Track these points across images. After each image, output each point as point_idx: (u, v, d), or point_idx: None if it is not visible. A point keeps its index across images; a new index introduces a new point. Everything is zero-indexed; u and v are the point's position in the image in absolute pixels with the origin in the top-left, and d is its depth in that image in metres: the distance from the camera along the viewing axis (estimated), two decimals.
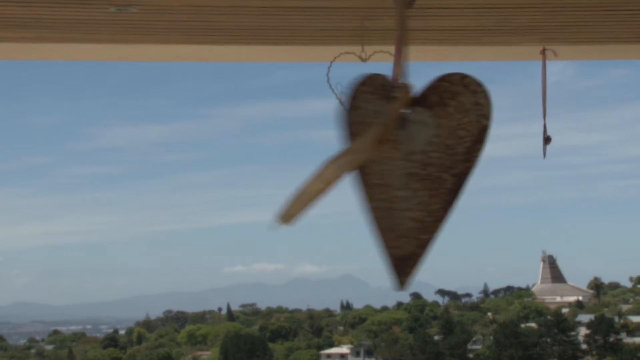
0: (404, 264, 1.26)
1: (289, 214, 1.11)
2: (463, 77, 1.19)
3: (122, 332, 79.38)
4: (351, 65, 3.21)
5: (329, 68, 3.09)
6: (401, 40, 1.24)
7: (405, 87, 1.21)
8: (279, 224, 1.09)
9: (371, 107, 1.21)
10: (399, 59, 3.01)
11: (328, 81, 2.99)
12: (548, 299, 77.57)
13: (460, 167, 1.19)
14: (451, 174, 1.19)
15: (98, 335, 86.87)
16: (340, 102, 3.03)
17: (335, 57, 3.07)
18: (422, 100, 1.21)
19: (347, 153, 1.13)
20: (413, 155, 1.21)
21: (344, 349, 64.18)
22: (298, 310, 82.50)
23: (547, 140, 3.37)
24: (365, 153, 1.14)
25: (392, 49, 3.00)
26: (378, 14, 2.89)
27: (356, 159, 1.13)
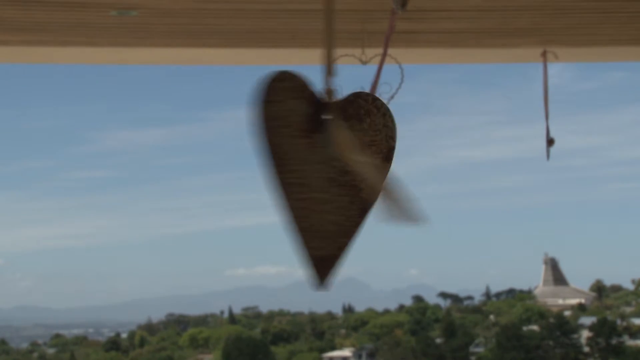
0: (324, 264, 1.30)
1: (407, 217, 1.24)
2: (375, 99, 1.29)
3: (124, 335, 79.38)
4: (352, 68, 3.21)
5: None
6: (326, 44, 1.28)
7: (334, 94, 1.28)
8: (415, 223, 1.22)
9: (287, 105, 1.26)
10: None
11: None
12: (550, 301, 77.48)
13: (371, 184, 1.29)
14: (366, 185, 1.28)
15: (100, 338, 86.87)
16: None
17: (335, 59, 3.07)
18: (340, 111, 1.28)
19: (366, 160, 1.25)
20: (333, 161, 1.27)
21: (346, 352, 64.12)
22: (300, 313, 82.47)
23: (550, 142, 3.37)
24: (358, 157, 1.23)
25: (392, 51, 3.00)
26: (378, 16, 2.89)
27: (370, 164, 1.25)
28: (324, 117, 1.26)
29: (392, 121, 1.29)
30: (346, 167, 1.26)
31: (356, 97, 1.30)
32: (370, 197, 1.27)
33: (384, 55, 2.82)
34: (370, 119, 1.29)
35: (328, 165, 1.27)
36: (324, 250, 1.30)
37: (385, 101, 1.29)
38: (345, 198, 1.28)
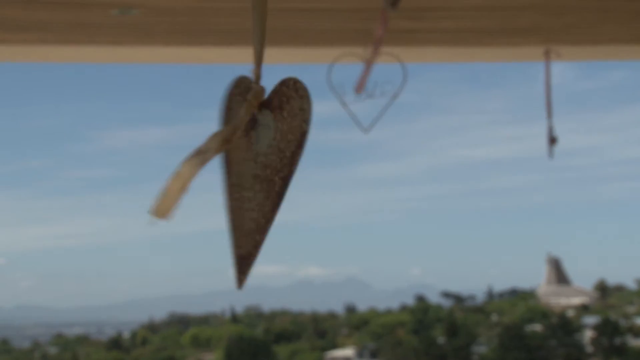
0: (243, 263, 1.27)
1: (162, 210, 1.18)
2: (295, 82, 1.24)
3: (126, 334, 79.47)
4: (354, 67, 3.20)
5: (330, 69, 3.08)
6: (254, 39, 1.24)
7: (257, 90, 1.25)
8: (155, 218, 1.15)
9: (239, 109, 1.26)
10: (371, 61, 2.98)
11: (330, 82, 2.99)
12: (553, 301, 77.42)
13: (285, 171, 1.24)
14: (279, 177, 1.24)
15: (102, 337, 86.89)
16: (341, 103, 3.03)
17: (336, 58, 3.06)
18: (268, 103, 1.26)
19: (198, 152, 1.20)
20: (258, 157, 1.26)
21: (348, 352, 64.12)
22: (302, 313, 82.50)
23: (552, 140, 3.36)
24: (213, 152, 1.19)
25: (395, 50, 2.99)
26: (380, 15, 2.88)
27: (205, 158, 1.19)
28: (255, 113, 1.24)
29: (308, 102, 1.24)
30: (269, 161, 1.23)
31: (281, 85, 1.27)
32: (282, 191, 1.24)
33: (374, 54, 2.82)
34: (289, 105, 1.25)
35: (255, 162, 1.25)
36: (244, 249, 1.26)
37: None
38: (261, 194, 1.25)
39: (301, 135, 1.22)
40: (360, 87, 2.89)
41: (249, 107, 1.21)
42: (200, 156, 1.18)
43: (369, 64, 2.88)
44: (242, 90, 1.26)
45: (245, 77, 1.26)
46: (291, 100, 1.26)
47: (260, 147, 1.24)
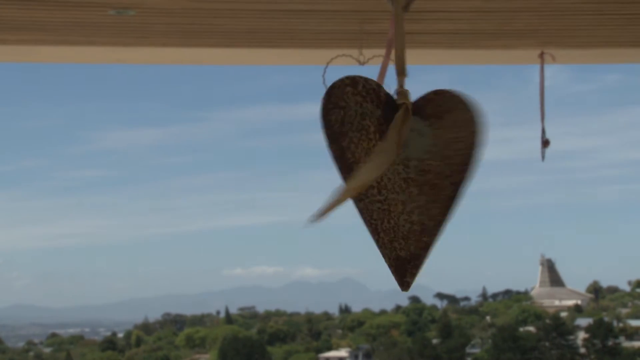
0: (405, 265, 1.31)
1: (326, 212, 1.18)
2: (456, 94, 1.29)
3: (120, 335, 79.28)
4: (349, 69, 3.21)
5: (324, 70, 3.09)
6: (397, 45, 1.29)
7: (408, 94, 1.28)
8: (317, 220, 1.16)
9: (359, 109, 1.26)
10: (386, 64, 3.00)
11: (324, 83, 3.00)
12: (546, 302, 77.53)
13: (458, 177, 1.29)
14: (450, 182, 1.28)
15: (96, 338, 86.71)
16: None
17: (331, 59, 3.07)
18: (416, 110, 1.29)
19: (377, 153, 1.21)
20: (409, 162, 1.29)
21: (343, 353, 64.10)
22: (297, 314, 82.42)
23: (545, 143, 3.37)
24: (393, 154, 1.21)
25: (391, 52, 3.00)
26: (376, 17, 2.89)
27: (386, 160, 1.21)
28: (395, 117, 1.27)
29: (478, 116, 1.29)
30: (426, 166, 1.27)
31: (435, 94, 1.30)
32: (454, 195, 1.27)
33: (387, 59, 2.82)
34: (453, 116, 1.28)
35: (405, 166, 1.28)
36: (405, 251, 1.29)
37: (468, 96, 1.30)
38: (424, 197, 1.28)
39: (475, 145, 1.25)
40: None
41: (405, 115, 1.24)
42: (379, 158, 1.19)
43: (383, 70, 2.88)
44: (365, 91, 1.27)
45: (364, 77, 1.29)
46: (454, 111, 1.26)
47: (411, 152, 1.27)
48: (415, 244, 1.29)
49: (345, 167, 1.29)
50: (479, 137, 1.29)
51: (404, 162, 1.28)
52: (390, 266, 1.33)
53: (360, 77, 1.31)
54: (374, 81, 1.30)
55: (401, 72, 1.30)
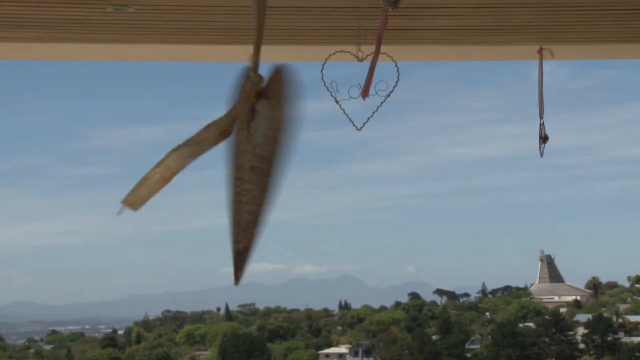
0: (240, 258, 1.25)
1: (134, 200, 1.12)
2: (283, 69, 1.20)
3: (120, 332, 79.32)
4: (348, 65, 3.21)
5: (323, 66, 3.09)
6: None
7: (254, 78, 1.19)
8: (125, 208, 1.10)
9: (238, 104, 1.22)
10: (375, 59, 2.98)
11: (322, 79, 3.00)
12: (546, 298, 77.60)
13: (280, 162, 1.22)
14: (274, 169, 1.22)
15: (96, 335, 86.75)
16: (336, 101, 3.04)
17: (329, 56, 3.07)
18: (265, 92, 1.21)
19: (191, 142, 1.14)
20: (255, 149, 1.22)
21: (343, 349, 64.14)
22: (296, 310, 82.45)
23: (544, 139, 3.37)
24: (209, 143, 1.14)
25: (389, 48, 3.00)
26: (374, 13, 2.89)
27: (199, 149, 1.14)
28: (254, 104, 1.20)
29: (298, 92, 1.19)
30: (264, 152, 1.21)
31: (275, 72, 1.21)
32: (278, 183, 1.21)
33: (377, 53, 2.83)
34: (282, 92, 1.21)
35: (253, 153, 1.22)
36: (241, 243, 1.24)
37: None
38: (258, 186, 1.23)
39: (293, 124, 1.18)
40: (365, 91, 2.87)
41: (246, 97, 1.18)
42: (191, 147, 1.14)
43: (372, 65, 2.88)
44: (242, 84, 1.23)
45: (247, 67, 1.22)
46: (283, 87, 1.18)
47: (257, 138, 1.20)
48: (250, 236, 1.25)
49: (229, 161, 1.28)
50: (297, 116, 1.19)
51: (253, 149, 1.22)
52: (233, 259, 1.26)
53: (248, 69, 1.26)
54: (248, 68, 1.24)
55: (254, 51, 1.23)
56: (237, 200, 1.24)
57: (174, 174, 1.13)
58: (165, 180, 1.12)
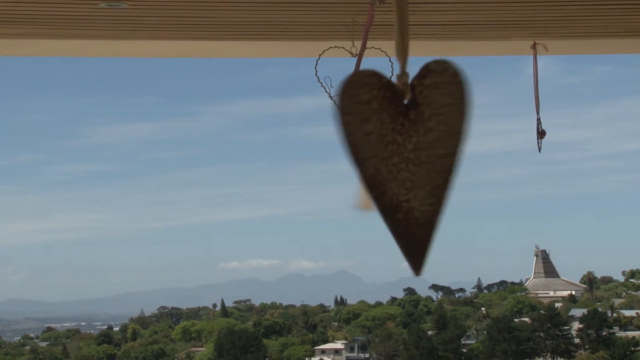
0: (421, 247, 1.30)
1: (367, 202, 1.20)
2: (446, 65, 1.24)
3: (116, 328, 79.34)
4: (342, 61, 3.21)
5: (317, 62, 3.09)
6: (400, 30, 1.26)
7: (406, 77, 1.25)
8: (361, 210, 1.18)
9: (369, 104, 1.26)
10: (362, 52, 2.97)
11: (316, 74, 2.99)
12: (541, 293, 77.79)
13: (450, 161, 1.29)
14: (446, 166, 1.30)
15: (92, 331, 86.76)
16: (330, 97, 3.03)
17: (323, 51, 3.06)
18: (414, 92, 1.28)
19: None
20: (415, 144, 1.31)
21: (338, 345, 64.24)
22: (292, 306, 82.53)
23: (541, 134, 3.37)
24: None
25: (382, 44, 3.00)
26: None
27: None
28: (405, 102, 1.24)
29: (465, 92, 1.24)
30: (420, 145, 1.26)
31: (426, 69, 1.25)
32: (451, 176, 1.27)
33: (363, 46, 2.82)
34: (439, 92, 1.25)
35: (408, 149, 1.27)
36: (420, 233, 1.28)
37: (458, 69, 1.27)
38: (425, 179, 1.28)
39: (463, 122, 1.23)
40: None
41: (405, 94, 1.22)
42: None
43: (359, 59, 2.88)
44: (369, 82, 1.24)
45: (366, 72, 1.27)
46: (442, 88, 1.22)
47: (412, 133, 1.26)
48: (428, 226, 1.32)
49: (358, 163, 1.29)
50: (466, 116, 1.26)
51: (405, 142, 1.30)
52: (407, 252, 1.32)
53: (367, 72, 1.29)
54: (378, 73, 1.28)
55: (401, 57, 1.28)
56: (396, 186, 1.26)
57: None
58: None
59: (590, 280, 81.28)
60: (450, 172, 1.26)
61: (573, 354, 56.95)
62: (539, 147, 3.36)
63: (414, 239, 1.27)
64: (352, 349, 64.58)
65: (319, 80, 2.96)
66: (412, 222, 1.27)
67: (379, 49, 2.97)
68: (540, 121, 3.37)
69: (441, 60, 1.24)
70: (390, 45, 3.10)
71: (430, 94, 1.24)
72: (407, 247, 1.28)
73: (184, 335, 68.84)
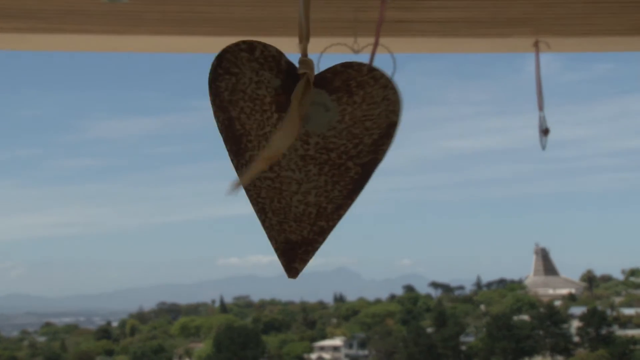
0: (295, 249, 1.17)
1: (240, 183, 1.10)
2: (371, 69, 1.10)
3: (115, 324, 79.36)
4: (344, 58, 3.20)
5: (319, 59, 3.08)
6: (302, 8, 1.11)
7: (311, 64, 1.13)
8: (233, 191, 1.07)
9: (254, 77, 1.11)
10: (374, 50, 2.96)
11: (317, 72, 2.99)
12: (541, 291, 77.81)
13: (366, 158, 1.14)
14: (355, 163, 1.13)
15: (91, 327, 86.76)
16: None
17: (325, 48, 3.06)
18: (322, 83, 1.12)
19: (280, 131, 1.09)
20: (309, 138, 1.13)
21: (337, 341, 64.27)
22: (291, 303, 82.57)
23: (545, 131, 3.36)
24: (296, 127, 1.09)
25: (384, 40, 3.00)
26: (371, 5, 2.88)
27: (288, 137, 1.09)
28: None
29: (395, 94, 1.10)
30: (328, 144, 1.12)
31: (346, 67, 1.10)
32: (360, 178, 1.13)
33: (376, 44, 2.82)
34: (363, 92, 1.11)
35: (303, 142, 1.12)
36: (296, 234, 1.16)
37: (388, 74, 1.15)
38: (324, 178, 1.13)
39: (389, 125, 1.11)
40: None
41: (306, 85, 1.09)
42: (281, 136, 1.06)
43: (372, 55, 2.87)
44: (256, 57, 1.10)
45: (255, 42, 1.12)
46: (366, 86, 1.11)
47: (313, 127, 1.13)
48: (310, 227, 1.16)
49: (233, 138, 1.15)
50: (394, 119, 1.11)
51: (303, 137, 1.12)
52: (276, 250, 1.17)
53: (259, 43, 1.15)
54: (274, 48, 1.15)
55: (303, 38, 1.14)
56: (272, 187, 1.15)
57: (270, 161, 1.05)
58: (263, 167, 1.05)
59: (590, 279, 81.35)
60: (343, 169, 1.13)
61: (572, 352, 57.00)
62: (542, 145, 3.35)
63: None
64: (351, 346, 64.63)
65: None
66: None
67: (382, 45, 2.97)
68: (544, 119, 3.37)
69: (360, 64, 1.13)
70: (391, 42, 3.10)
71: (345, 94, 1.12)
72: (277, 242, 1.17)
73: (182, 331, 68.91)
